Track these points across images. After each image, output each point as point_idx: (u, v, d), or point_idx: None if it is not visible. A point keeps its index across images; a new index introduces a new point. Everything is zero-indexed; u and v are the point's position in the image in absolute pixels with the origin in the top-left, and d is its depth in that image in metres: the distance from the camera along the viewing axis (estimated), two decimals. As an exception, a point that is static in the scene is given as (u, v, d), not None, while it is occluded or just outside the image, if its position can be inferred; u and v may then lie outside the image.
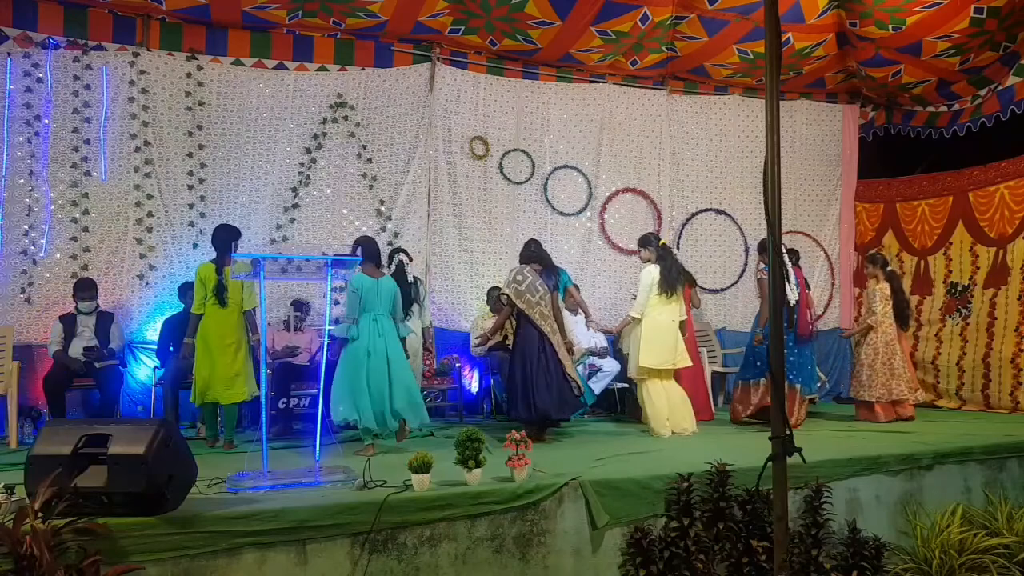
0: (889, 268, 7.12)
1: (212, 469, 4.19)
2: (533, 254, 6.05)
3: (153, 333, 6.67)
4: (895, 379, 6.64)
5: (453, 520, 3.69)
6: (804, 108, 8.91)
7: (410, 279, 6.55)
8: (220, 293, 5.34)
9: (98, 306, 6.21)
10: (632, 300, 6.37)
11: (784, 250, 6.31)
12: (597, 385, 7.15)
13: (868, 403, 6.70)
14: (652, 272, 6.14)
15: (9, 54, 6.47)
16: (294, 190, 7.24)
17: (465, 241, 7.77)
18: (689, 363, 6.26)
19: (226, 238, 5.48)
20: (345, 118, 7.40)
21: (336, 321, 6.92)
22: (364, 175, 7.46)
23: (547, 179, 8.08)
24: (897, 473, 4.76)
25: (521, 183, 7.99)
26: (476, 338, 6.83)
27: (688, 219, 8.57)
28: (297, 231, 7.23)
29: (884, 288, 6.86)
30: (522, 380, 5.66)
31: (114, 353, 6.11)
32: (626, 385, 7.04)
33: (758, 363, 6.64)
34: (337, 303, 7.16)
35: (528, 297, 5.77)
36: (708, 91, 8.68)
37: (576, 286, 7.42)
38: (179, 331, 5.86)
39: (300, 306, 6.83)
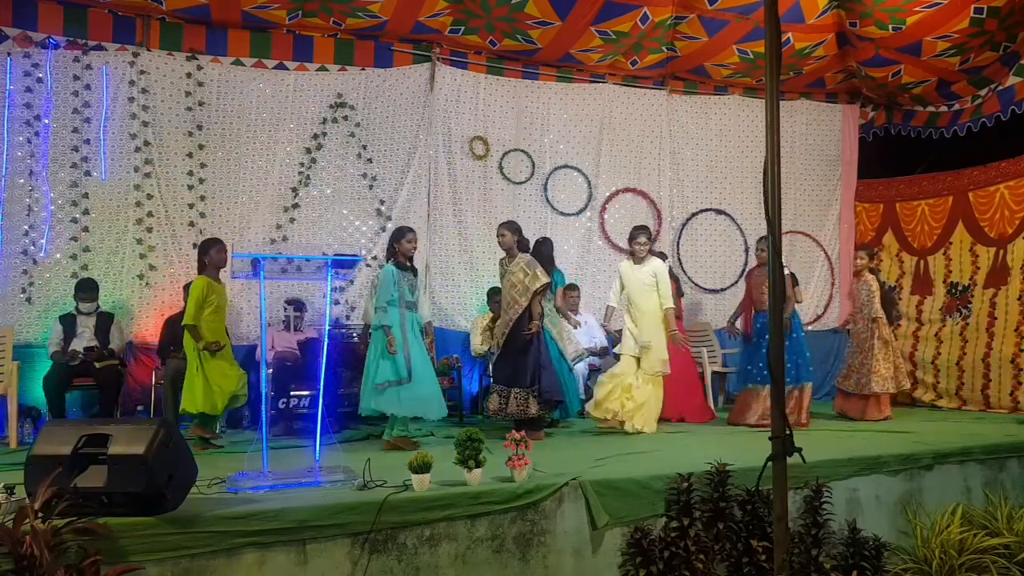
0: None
1: (212, 469, 4.19)
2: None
3: (153, 333, 6.67)
4: (858, 372, 6.70)
5: (453, 520, 3.69)
6: (804, 108, 8.91)
7: None
8: None
9: (98, 306, 6.21)
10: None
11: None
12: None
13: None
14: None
15: (9, 54, 6.47)
16: (294, 190, 7.24)
17: (465, 241, 7.77)
18: None
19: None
20: (345, 118, 7.41)
21: (336, 320, 6.94)
22: (364, 175, 7.46)
23: (547, 179, 8.08)
24: (897, 473, 4.76)
25: (521, 183, 7.99)
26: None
27: (688, 219, 8.57)
28: (297, 231, 7.24)
29: (874, 280, 6.91)
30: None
31: (114, 353, 6.11)
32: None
33: (753, 367, 6.60)
34: (337, 303, 7.17)
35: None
36: (708, 91, 8.68)
37: (576, 286, 7.43)
38: (180, 331, 5.85)
39: (300, 306, 6.81)
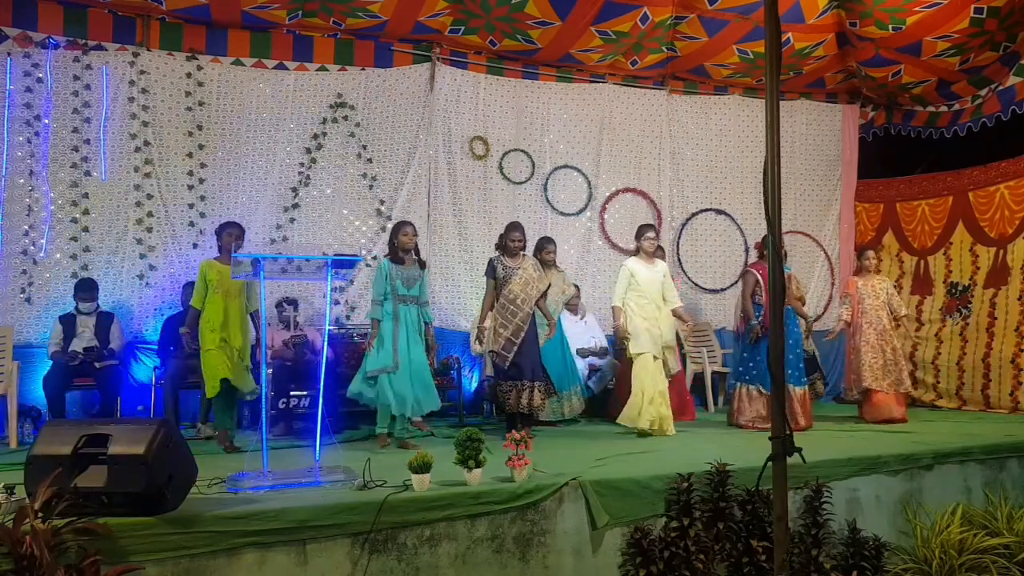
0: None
1: (212, 469, 4.19)
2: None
3: (153, 333, 6.67)
4: (895, 370, 6.67)
5: (453, 520, 3.69)
6: (804, 108, 8.91)
7: None
8: None
9: (98, 306, 6.21)
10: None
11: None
12: (597, 385, 7.15)
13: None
14: None
15: (9, 54, 6.47)
16: (294, 190, 7.24)
17: (465, 241, 7.77)
18: None
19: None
20: (345, 118, 7.40)
21: (336, 320, 6.94)
22: (364, 175, 7.46)
23: (547, 179, 8.08)
24: (897, 473, 4.76)
25: (521, 183, 7.99)
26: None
27: (688, 219, 8.57)
28: (297, 231, 7.23)
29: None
30: None
31: (114, 353, 6.11)
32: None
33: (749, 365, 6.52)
34: (337, 303, 7.17)
35: None
36: (708, 91, 8.68)
37: (576, 286, 7.43)
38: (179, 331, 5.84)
39: (296, 305, 6.78)
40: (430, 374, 5.51)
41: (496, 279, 5.86)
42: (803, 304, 7.04)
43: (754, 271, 6.44)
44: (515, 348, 5.71)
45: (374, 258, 7.30)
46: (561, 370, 6.40)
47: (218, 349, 5.25)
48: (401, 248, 5.46)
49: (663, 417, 5.84)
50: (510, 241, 5.89)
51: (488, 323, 5.86)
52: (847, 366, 6.98)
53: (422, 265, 5.58)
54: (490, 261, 5.97)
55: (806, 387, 6.32)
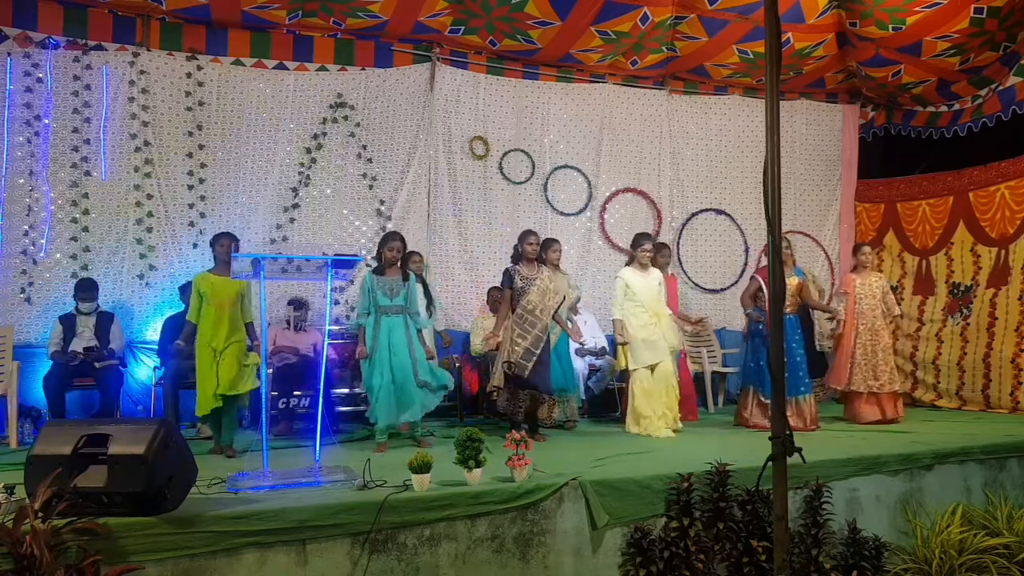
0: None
1: (212, 469, 4.20)
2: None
3: (153, 333, 6.67)
4: (888, 369, 6.65)
5: (453, 520, 3.69)
6: (804, 108, 8.90)
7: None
8: None
9: (98, 306, 6.21)
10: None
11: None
12: (597, 385, 7.15)
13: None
14: None
15: (9, 54, 6.47)
16: (294, 190, 7.24)
17: (465, 241, 7.77)
18: None
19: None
20: (345, 118, 7.40)
21: (336, 320, 6.92)
22: (364, 175, 7.46)
23: (547, 179, 8.08)
24: (897, 473, 4.76)
25: (521, 183, 7.98)
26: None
27: (688, 219, 8.57)
28: (297, 231, 7.23)
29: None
30: None
31: (114, 353, 6.11)
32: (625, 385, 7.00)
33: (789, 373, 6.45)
34: (337, 303, 7.17)
35: None
36: (708, 91, 8.68)
37: (576, 286, 7.42)
38: (179, 331, 5.83)
39: (300, 305, 6.78)
40: (413, 382, 5.35)
41: (513, 289, 5.78)
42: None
43: (759, 277, 6.46)
44: (534, 358, 5.63)
45: (374, 258, 7.30)
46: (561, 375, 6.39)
47: (210, 369, 5.15)
48: (387, 262, 5.53)
49: (661, 425, 5.89)
50: (527, 245, 5.81)
51: (503, 334, 5.76)
52: (835, 363, 6.98)
53: (405, 277, 5.57)
54: (506, 271, 5.88)
55: (809, 395, 6.24)
